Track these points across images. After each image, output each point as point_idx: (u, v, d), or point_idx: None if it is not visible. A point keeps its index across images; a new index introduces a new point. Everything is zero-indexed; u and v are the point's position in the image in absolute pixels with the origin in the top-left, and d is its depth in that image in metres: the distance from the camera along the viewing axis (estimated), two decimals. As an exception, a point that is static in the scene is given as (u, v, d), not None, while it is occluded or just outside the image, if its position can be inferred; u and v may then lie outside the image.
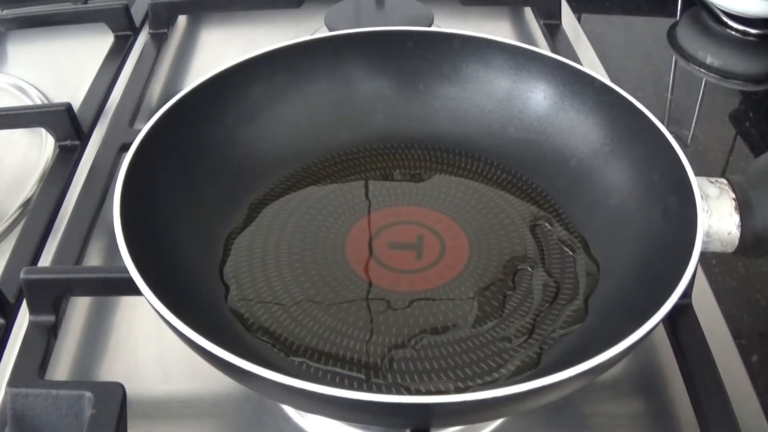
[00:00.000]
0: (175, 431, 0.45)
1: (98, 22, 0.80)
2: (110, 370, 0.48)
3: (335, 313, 0.46)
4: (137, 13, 0.84)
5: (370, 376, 0.43)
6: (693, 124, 0.72)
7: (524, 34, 0.84)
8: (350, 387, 0.42)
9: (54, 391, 0.39)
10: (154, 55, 0.77)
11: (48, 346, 0.46)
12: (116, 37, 0.80)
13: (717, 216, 0.45)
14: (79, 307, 0.52)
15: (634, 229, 0.48)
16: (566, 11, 0.84)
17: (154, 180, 0.48)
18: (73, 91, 0.72)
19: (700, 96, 0.78)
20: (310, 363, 0.43)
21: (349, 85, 0.60)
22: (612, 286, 0.47)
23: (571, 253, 0.51)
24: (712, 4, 0.87)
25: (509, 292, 0.48)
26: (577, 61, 0.66)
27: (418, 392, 0.42)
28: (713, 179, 0.47)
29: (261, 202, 0.54)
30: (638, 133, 0.50)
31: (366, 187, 0.56)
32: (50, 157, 0.64)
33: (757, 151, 0.70)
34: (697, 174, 0.45)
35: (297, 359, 0.44)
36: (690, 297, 0.47)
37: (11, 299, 0.50)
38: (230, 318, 0.46)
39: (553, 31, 0.79)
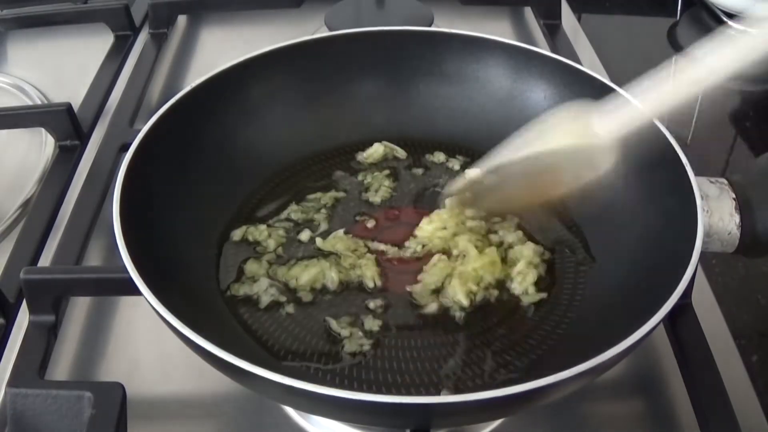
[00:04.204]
0: (175, 431, 0.45)
1: (98, 22, 0.81)
2: (110, 370, 0.48)
3: (335, 314, 0.46)
4: (137, 13, 0.84)
5: (369, 375, 0.43)
6: (693, 124, 0.72)
7: (524, 34, 0.84)
8: (350, 387, 0.42)
9: (54, 391, 0.39)
10: (154, 55, 0.77)
11: (48, 346, 0.46)
12: (116, 37, 0.80)
13: (717, 216, 0.45)
14: (79, 307, 0.52)
15: (634, 229, 0.48)
16: (566, 11, 0.84)
17: (154, 180, 0.48)
18: (73, 91, 0.72)
19: (700, 96, 0.78)
20: (310, 363, 0.43)
21: (349, 85, 0.60)
22: (612, 286, 0.47)
23: (570, 253, 0.51)
24: (712, 4, 0.87)
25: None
26: (577, 61, 0.66)
27: (417, 392, 0.42)
28: (713, 179, 0.47)
29: (261, 202, 0.54)
30: (638, 133, 0.50)
31: (366, 188, 0.56)
32: (50, 157, 0.64)
33: (757, 151, 0.70)
34: (697, 174, 0.45)
35: (297, 359, 0.44)
36: (690, 297, 0.47)
37: (11, 299, 0.50)
38: (230, 318, 0.46)
39: (553, 31, 0.79)
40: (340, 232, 0.51)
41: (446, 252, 0.50)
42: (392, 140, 0.59)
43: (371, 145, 0.58)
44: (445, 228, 0.50)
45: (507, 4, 0.88)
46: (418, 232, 0.51)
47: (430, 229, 0.51)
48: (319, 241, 0.51)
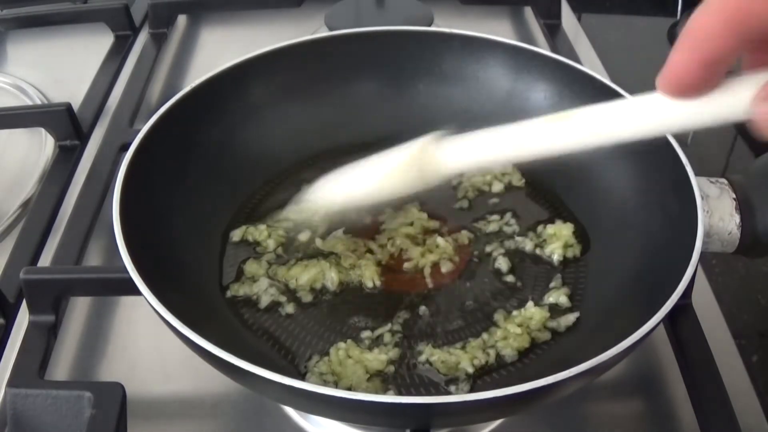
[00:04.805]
0: (175, 431, 0.45)
1: (98, 22, 0.81)
2: (110, 370, 0.48)
3: (335, 314, 0.46)
4: (137, 13, 0.84)
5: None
6: (693, 124, 0.72)
7: (524, 34, 0.84)
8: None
9: (54, 391, 0.39)
10: (154, 55, 0.77)
11: (48, 346, 0.46)
12: (116, 37, 0.80)
13: (717, 216, 0.45)
14: (79, 307, 0.52)
15: (634, 230, 0.48)
16: (566, 11, 0.84)
17: (154, 180, 0.48)
18: (73, 91, 0.72)
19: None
20: (309, 365, 0.43)
21: (350, 85, 0.60)
22: (612, 286, 0.47)
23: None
24: (712, 4, 0.87)
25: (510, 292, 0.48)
26: (577, 61, 0.66)
27: (418, 392, 0.42)
28: (713, 179, 0.47)
29: (260, 202, 0.54)
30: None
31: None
32: (50, 157, 0.64)
33: (757, 151, 0.69)
34: (697, 174, 0.45)
35: (296, 359, 0.44)
36: (690, 297, 0.47)
37: (11, 299, 0.50)
38: (230, 318, 0.46)
39: (553, 30, 0.79)
40: (340, 232, 0.51)
41: (414, 241, 0.51)
42: (392, 140, 0.59)
43: (371, 145, 0.58)
44: (411, 224, 0.51)
45: (507, 4, 0.88)
46: (385, 225, 0.52)
47: (396, 223, 0.52)
48: (318, 241, 0.51)
